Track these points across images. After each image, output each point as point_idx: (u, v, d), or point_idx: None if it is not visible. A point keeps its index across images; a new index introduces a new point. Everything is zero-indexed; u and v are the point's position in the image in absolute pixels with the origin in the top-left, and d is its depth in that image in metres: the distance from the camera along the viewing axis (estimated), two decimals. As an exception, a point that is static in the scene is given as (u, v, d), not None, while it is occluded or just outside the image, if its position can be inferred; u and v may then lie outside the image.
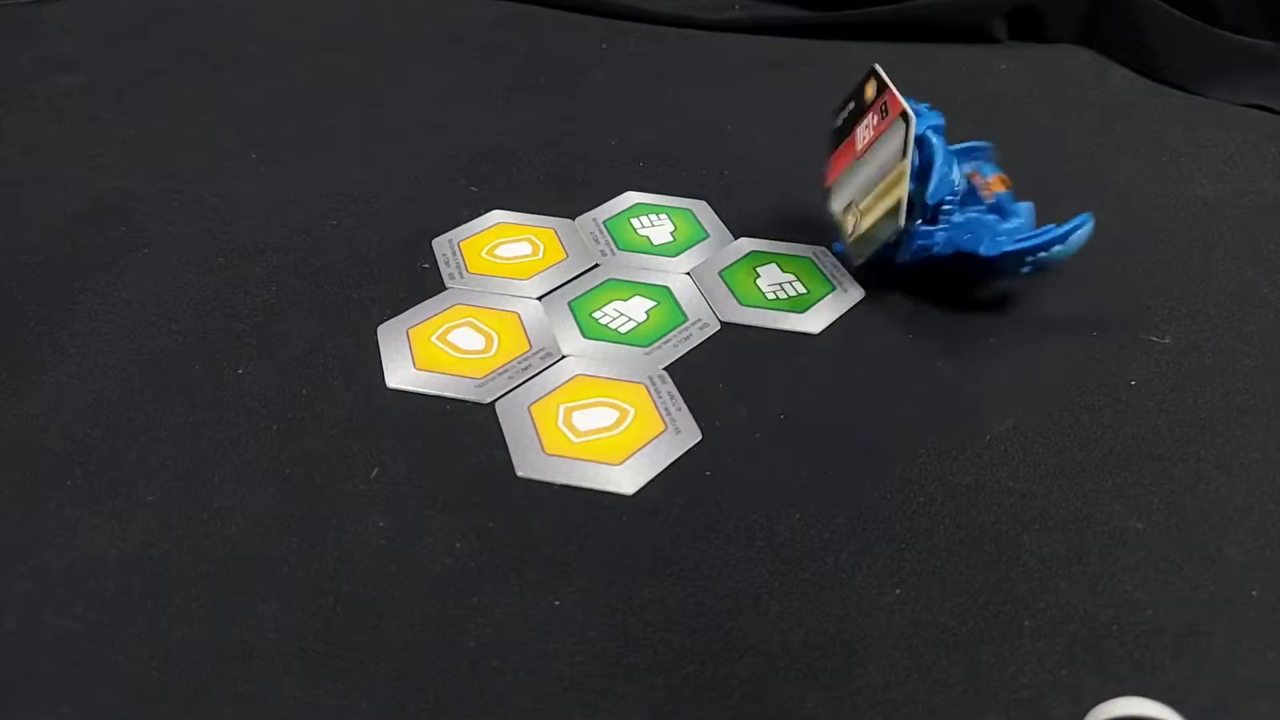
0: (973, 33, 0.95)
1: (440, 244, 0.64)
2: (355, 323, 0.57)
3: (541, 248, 0.63)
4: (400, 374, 0.53)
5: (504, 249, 0.63)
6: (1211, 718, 0.37)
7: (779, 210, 0.68)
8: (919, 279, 0.61)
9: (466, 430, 0.50)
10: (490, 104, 0.83)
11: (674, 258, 0.63)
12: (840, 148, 0.60)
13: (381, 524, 0.45)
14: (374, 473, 0.47)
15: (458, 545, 0.44)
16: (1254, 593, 0.42)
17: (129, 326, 0.56)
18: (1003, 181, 0.58)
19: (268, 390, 0.52)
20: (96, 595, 0.41)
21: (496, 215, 0.67)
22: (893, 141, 0.54)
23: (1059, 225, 0.53)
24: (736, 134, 0.78)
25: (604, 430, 0.49)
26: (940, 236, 0.56)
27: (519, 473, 0.47)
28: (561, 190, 0.70)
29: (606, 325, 0.57)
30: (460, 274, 0.61)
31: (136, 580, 0.42)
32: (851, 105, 0.59)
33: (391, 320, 0.57)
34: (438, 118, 0.81)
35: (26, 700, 0.37)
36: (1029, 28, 0.96)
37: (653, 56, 0.93)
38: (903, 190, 0.53)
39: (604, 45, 0.95)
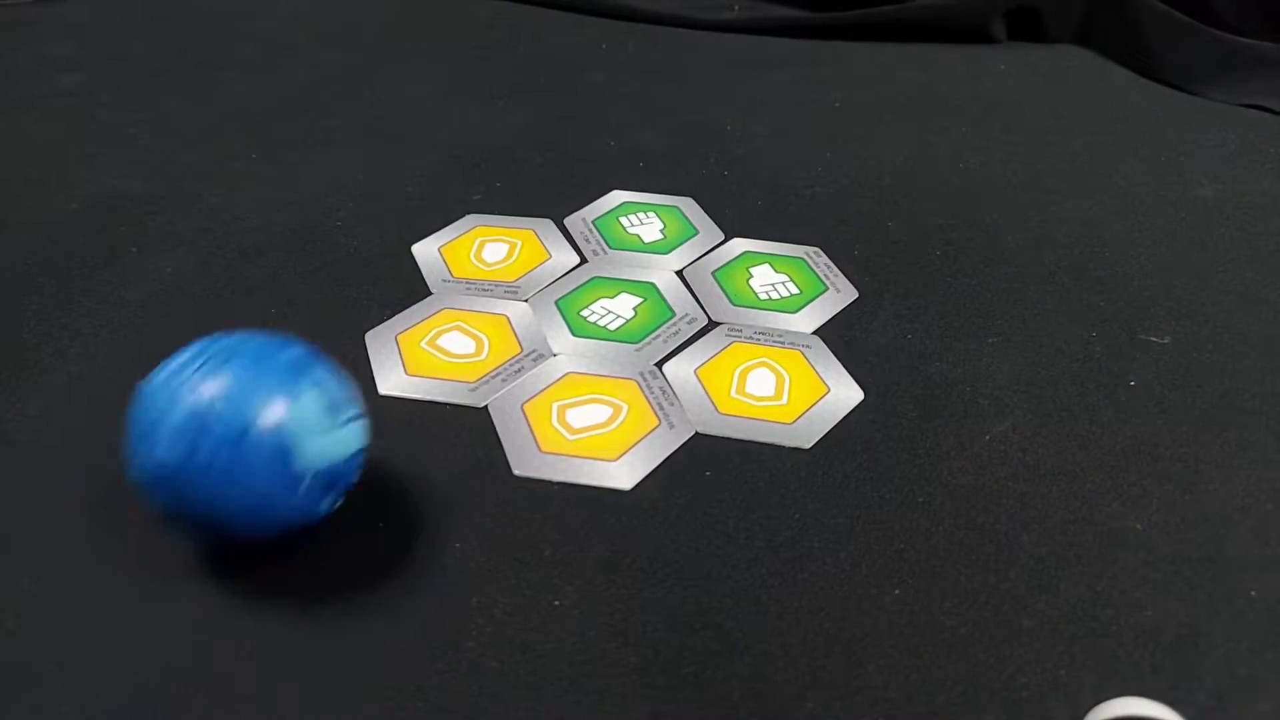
0: (973, 33, 0.95)
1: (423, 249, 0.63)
2: (355, 322, 0.57)
3: (519, 246, 0.63)
4: (391, 380, 0.53)
5: (488, 251, 0.63)
6: (1211, 718, 0.37)
7: (776, 211, 0.68)
8: (919, 278, 0.61)
9: (465, 430, 0.49)
10: (490, 104, 0.83)
11: (666, 255, 0.63)
12: None
13: (381, 524, 0.45)
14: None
15: (457, 545, 0.44)
16: (1253, 593, 0.42)
17: (129, 326, 0.56)
18: None
19: (268, 390, 0.52)
20: (97, 595, 0.41)
21: (475, 219, 0.66)
22: None
23: None
24: (736, 134, 0.78)
25: (598, 427, 0.49)
26: None
27: (515, 471, 0.47)
28: (561, 190, 0.70)
29: (595, 323, 0.57)
30: (447, 278, 0.61)
31: (137, 580, 0.42)
32: None
33: (380, 326, 0.56)
34: (438, 118, 0.81)
35: (26, 700, 0.37)
36: (1029, 28, 0.96)
37: (652, 56, 0.92)
38: None
39: (603, 45, 0.95)
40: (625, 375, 0.53)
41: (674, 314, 0.58)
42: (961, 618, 0.41)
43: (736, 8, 1.01)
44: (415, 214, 0.67)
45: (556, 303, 0.58)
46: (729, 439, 0.49)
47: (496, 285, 0.60)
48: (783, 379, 0.53)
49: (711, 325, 0.57)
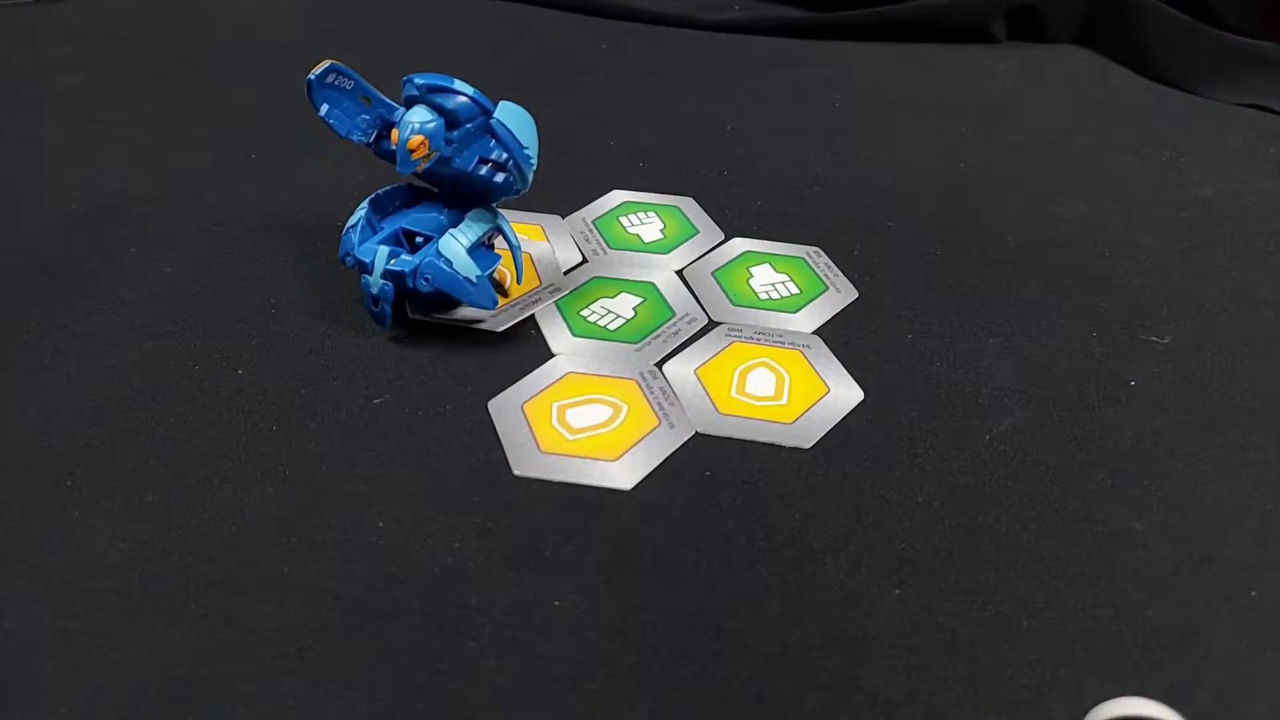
0: (973, 33, 0.95)
1: None
2: (355, 323, 0.57)
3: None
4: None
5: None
6: (1211, 718, 0.37)
7: (776, 210, 0.68)
8: (919, 278, 0.61)
9: (465, 430, 0.50)
10: (490, 104, 0.83)
11: (666, 255, 0.63)
12: None
13: (381, 524, 0.45)
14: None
15: (457, 545, 0.44)
16: (1253, 593, 0.42)
17: (129, 326, 0.56)
18: None
19: (268, 390, 0.52)
20: (96, 595, 0.41)
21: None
22: None
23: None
24: (736, 134, 0.78)
25: (598, 427, 0.49)
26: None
27: (515, 471, 0.47)
28: (561, 190, 0.70)
29: (595, 323, 0.57)
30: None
31: (136, 580, 0.42)
32: None
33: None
34: (438, 118, 0.80)
35: (26, 700, 0.37)
36: (1029, 28, 0.96)
37: (652, 56, 0.92)
38: None
39: (604, 45, 0.95)
40: (625, 375, 0.53)
41: (674, 314, 0.58)
42: (961, 618, 0.41)
43: (737, 7, 1.01)
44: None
45: (557, 303, 0.58)
46: (729, 439, 0.49)
47: None
48: (783, 379, 0.53)
49: (711, 325, 0.57)
